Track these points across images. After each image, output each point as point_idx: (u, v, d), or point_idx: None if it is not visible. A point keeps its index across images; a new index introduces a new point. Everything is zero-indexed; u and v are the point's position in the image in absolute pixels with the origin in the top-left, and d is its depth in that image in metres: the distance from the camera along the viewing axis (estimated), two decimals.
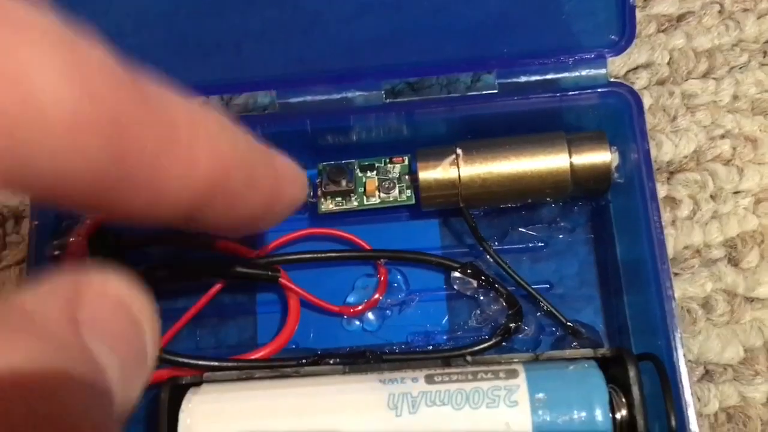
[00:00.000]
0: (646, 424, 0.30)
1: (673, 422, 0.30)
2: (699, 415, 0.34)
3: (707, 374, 0.35)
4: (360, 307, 0.36)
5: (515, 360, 0.32)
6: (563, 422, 0.30)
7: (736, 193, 0.37)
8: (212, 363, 0.33)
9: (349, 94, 0.36)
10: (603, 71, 0.35)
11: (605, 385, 0.31)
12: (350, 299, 0.37)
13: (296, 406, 0.31)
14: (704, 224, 0.37)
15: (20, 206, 0.40)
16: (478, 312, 0.36)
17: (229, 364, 0.33)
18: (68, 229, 0.35)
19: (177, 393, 0.32)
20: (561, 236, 0.37)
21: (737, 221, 0.37)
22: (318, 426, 0.31)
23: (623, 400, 0.31)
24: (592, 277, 0.37)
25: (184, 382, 0.33)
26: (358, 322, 0.37)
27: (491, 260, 0.36)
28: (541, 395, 0.30)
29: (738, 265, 0.36)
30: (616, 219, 0.36)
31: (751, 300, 0.36)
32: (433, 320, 0.37)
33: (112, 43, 0.36)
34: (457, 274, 0.36)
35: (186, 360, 0.33)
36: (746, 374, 0.35)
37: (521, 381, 0.31)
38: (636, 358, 0.31)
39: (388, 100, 0.36)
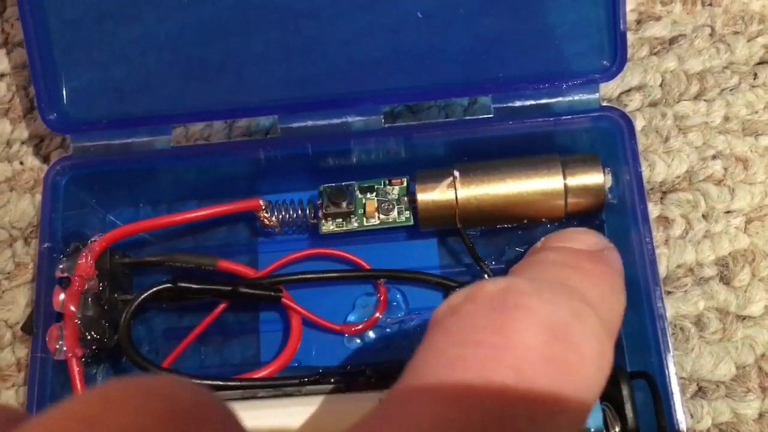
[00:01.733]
0: None
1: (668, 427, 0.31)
2: (692, 431, 0.35)
3: (700, 391, 0.36)
4: (361, 326, 0.37)
5: None
6: None
7: (727, 212, 0.38)
8: (216, 382, 0.34)
9: (349, 119, 0.37)
10: (595, 96, 0.36)
11: (599, 403, 0.32)
12: (351, 318, 0.38)
13: (299, 426, 0.32)
14: (697, 243, 0.38)
15: (29, 227, 0.41)
16: None
17: (233, 383, 0.34)
18: (76, 251, 0.36)
19: None
20: None
21: (729, 240, 0.38)
22: None
23: (617, 417, 0.31)
24: None
25: None
26: (359, 341, 0.38)
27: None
28: None
29: (730, 283, 0.37)
30: (610, 239, 0.37)
31: (742, 318, 0.37)
32: None
33: (118, 67, 0.37)
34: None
35: (191, 380, 0.34)
36: (738, 391, 0.36)
37: None
38: (629, 376, 0.32)
39: (386, 124, 0.37)
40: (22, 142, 0.43)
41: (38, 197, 0.41)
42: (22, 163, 0.42)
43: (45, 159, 0.42)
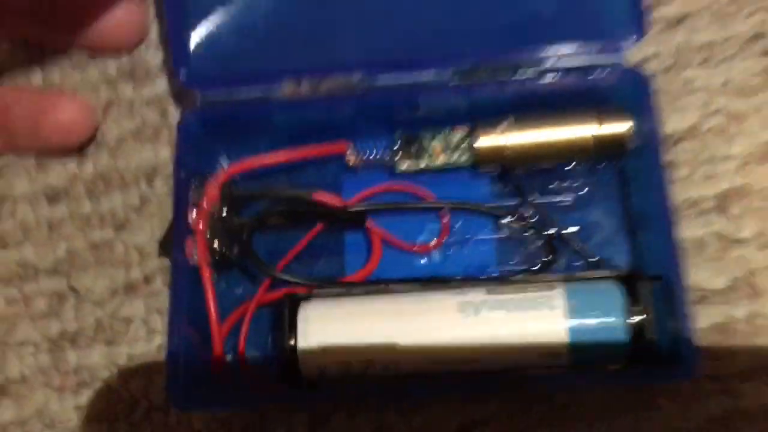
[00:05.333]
0: (655, 326, 0.39)
1: (676, 325, 0.39)
2: (695, 328, 0.44)
3: (703, 298, 0.45)
4: (429, 245, 0.46)
5: (554, 279, 0.42)
6: (590, 324, 0.40)
7: (726, 157, 0.47)
8: (320, 282, 0.43)
9: (423, 77, 0.45)
10: (620, 60, 0.45)
11: (622, 296, 0.40)
12: (420, 239, 0.47)
13: (387, 311, 0.41)
14: (699, 182, 0.46)
15: (151, 170, 0.50)
16: (523, 249, 0.46)
17: (332, 282, 0.43)
18: (202, 181, 0.45)
19: (294, 304, 0.42)
20: (588, 189, 0.46)
21: (726, 180, 0.46)
22: (406, 326, 0.40)
23: (638, 309, 0.40)
24: (614, 222, 0.46)
25: (299, 296, 0.43)
26: (426, 259, 0.47)
27: (533, 210, 0.45)
28: (573, 302, 0.40)
29: (726, 214, 0.46)
30: (633, 176, 0.46)
31: (736, 241, 0.46)
32: (486, 256, 0.46)
33: (236, 33, 0.44)
34: (505, 221, 0.46)
35: (299, 281, 0.43)
36: (732, 298, 0.45)
37: (559, 292, 0.40)
38: (647, 277, 0.40)
39: (452, 83, 0.46)
40: (142, 102, 0.52)
41: (158, 146, 0.50)
42: (143, 118, 0.51)
43: (163, 113, 0.51)
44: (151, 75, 0.52)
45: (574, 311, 0.40)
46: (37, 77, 0.53)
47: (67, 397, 0.46)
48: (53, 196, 0.50)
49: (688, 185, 0.46)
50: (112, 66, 0.52)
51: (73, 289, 0.48)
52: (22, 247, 0.49)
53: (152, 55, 0.52)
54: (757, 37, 0.49)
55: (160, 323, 0.47)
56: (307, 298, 0.42)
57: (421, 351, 0.40)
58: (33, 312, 0.48)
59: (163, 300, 0.47)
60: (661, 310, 0.40)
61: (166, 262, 0.47)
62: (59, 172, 0.50)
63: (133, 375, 0.46)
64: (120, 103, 0.52)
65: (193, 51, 0.46)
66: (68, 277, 0.49)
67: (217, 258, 0.44)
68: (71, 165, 0.50)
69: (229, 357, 0.44)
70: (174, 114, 0.51)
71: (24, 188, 0.50)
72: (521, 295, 0.40)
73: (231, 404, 0.43)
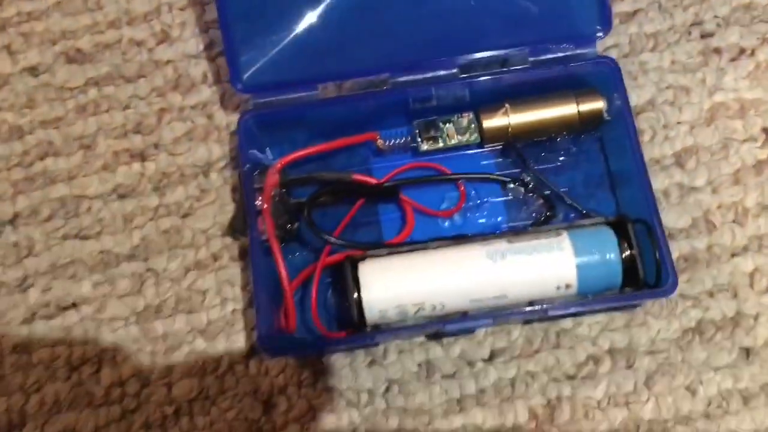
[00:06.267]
0: (642, 259, 0.51)
1: (657, 256, 0.51)
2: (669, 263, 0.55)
3: (670, 235, 0.56)
4: (450, 211, 0.57)
5: (560, 227, 0.52)
6: (592, 259, 0.50)
7: (678, 123, 0.59)
8: (370, 245, 0.53)
9: (435, 73, 0.56)
10: (594, 50, 0.56)
11: (614, 236, 0.51)
12: (443, 206, 0.57)
13: (430, 263, 0.51)
14: (660, 144, 0.58)
15: (205, 165, 0.59)
16: (527, 208, 0.57)
17: (381, 245, 0.53)
18: (263, 171, 0.54)
19: (354, 264, 0.51)
20: (574, 156, 0.57)
21: (680, 141, 0.58)
22: (447, 273, 0.50)
23: (627, 245, 0.51)
24: (596, 180, 0.57)
25: (356, 258, 0.52)
26: (449, 222, 0.57)
27: (533, 175, 0.56)
28: (578, 244, 0.51)
29: (683, 168, 0.58)
30: (606, 143, 0.57)
31: (693, 188, 0.57)
32: (498, 216, 0.57)
33: (281, 47, 0.54)
34: (511, 185, 0.57)
35: (355, 245, 0.53)
36: (693, 233, 0.56)
37: (565, 237, 0.51)
38: (632, 221, 0.52)
39: (461, 75, 0.56)
40: (192, 107, 0.60)
41: (210, 144, 0.59)
42: (193, 122, 0.60)
43: (209, 117, 0.60)
44: (196, 84, 0.61)
45: (579, 250, 0.50)
46: (92, 92, 0.61)
47: (159, 360, 0.55)
48: (124, 193, 0.58)
49: (651, 147, 0.58)
50: (159, 79, 0.61)
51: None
52: (101, 238, 0.58)
53: (193, 68, 0.61)
54: (694, 24, 0.61)
55: (230, 293, 0.56)
56: (362, 258, 0.52)
57: (461, 292, 0.50)
58: (118, 292, 0.56)
59: (231, 273, 0.56)
60: (644, 246, 0.51)
61: (229, 240, 0.57)
62: (126, 172, 0.59)
63: (213, 336, 0.55)
64: (171, 110, 0.60)
65: (245, 65, 0.55)
66: (145, 260, 0.57)
67: (281, 232, 0.53)
68: (136, 165, 0.59)
69: (299, 311, 0.53)
70: (220, 117, 0.60)
71: (96, 189, 0.59)
72: (536, 242, 0.51)
73: (311, 349, 0.53)
